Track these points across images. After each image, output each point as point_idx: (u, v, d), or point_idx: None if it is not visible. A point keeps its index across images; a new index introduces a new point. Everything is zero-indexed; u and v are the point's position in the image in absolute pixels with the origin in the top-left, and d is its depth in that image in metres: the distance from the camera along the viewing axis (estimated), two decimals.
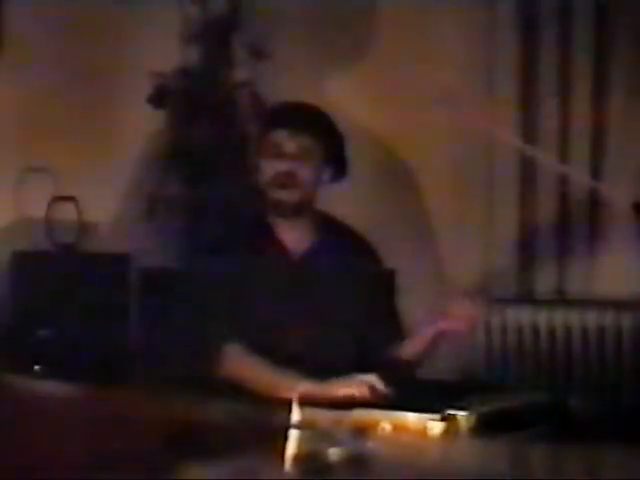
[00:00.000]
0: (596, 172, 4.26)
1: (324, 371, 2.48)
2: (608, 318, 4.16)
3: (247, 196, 4.02)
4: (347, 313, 2.76)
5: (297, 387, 2.40)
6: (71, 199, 3.95)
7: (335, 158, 2.80)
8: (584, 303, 4.21)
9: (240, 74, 4.39)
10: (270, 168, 2.73)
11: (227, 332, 2.60)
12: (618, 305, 4.15)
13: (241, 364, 2.56)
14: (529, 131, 4.33)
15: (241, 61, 4.39)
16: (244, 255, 2.73)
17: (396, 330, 2.82)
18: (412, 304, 2.92)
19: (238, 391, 2.48)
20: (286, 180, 2.71)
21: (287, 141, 2.73)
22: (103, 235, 4.12)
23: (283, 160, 2.72)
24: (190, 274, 2.82)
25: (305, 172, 2.73)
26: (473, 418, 2.13)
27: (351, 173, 2.88)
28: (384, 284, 2.87)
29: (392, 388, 2.36)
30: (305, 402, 2.29)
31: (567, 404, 2.47)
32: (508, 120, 4.33)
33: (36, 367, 3.28)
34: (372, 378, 2.39)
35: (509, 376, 4.16)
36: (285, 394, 2.37)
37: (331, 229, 2.83)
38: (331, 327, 2.72)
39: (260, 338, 2.59)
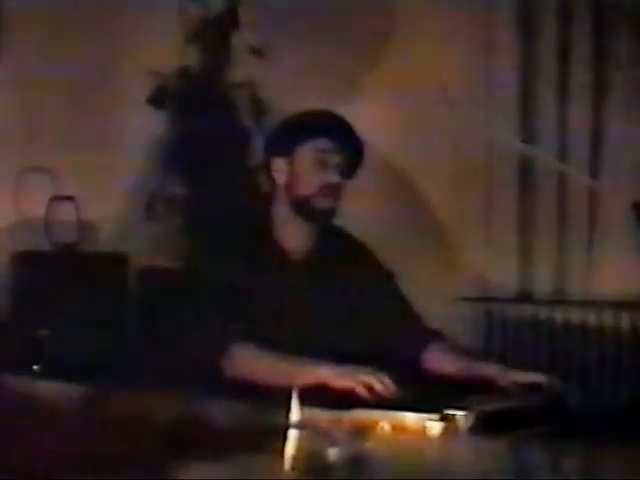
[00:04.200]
0: (596, 172, 4.26)
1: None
2: (607, 318, 4.16)
3: (246, 196, 4.05)
4: (347, 314, 2.77)
5: (316, 370, 2.41)
6: (70, 199, 3.95)
7: (351, 169, 2.81)
8: (584, 303, 4.21)
9: (240, 74, 4.39)
10: (316, 177, 2.73)
11: (231, 332, 2.60)
12: (617, 305, 4.15)
13: (252, 359, 2.56)
14: (529, 131, 4.34)
15: (241, 61, 4.40)
16: (243, 256, 2.73)
17: (410, 328, 2.81)
18: (412, 305, 2.92)
19: (238, 391, 2.48)
20: (332, 192, 2.74)
21: (331, 153, 2.74)
22: (103, 235, 4.12)
23: (327, 171, 2.73)
24: (189, 275, 2.82)
25: (342, 183, 2.76)
26: (472, 418, 2.13)
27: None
28: (384, 285, 2.88)
29: (398, 386, 2.36)
30: (317, 390, 2.30)
31: (566, 404, 2.47)
32: (508, 120, 4.33)
33: (36, 367, 3.28)
34: (379, 375, 2.39)
35: None
36: (302, 381, 2.38)
37: (329, 232, 2.83)
38: (332, 329, 2.72)
39: (261, 340, 2.59)
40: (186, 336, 2.67)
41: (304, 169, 2.75)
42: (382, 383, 2.35)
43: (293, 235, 2.78)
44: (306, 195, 2.73)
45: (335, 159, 2.74)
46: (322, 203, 2.73)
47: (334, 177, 2.73)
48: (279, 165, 2.78)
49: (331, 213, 2.76)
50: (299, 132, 2.78)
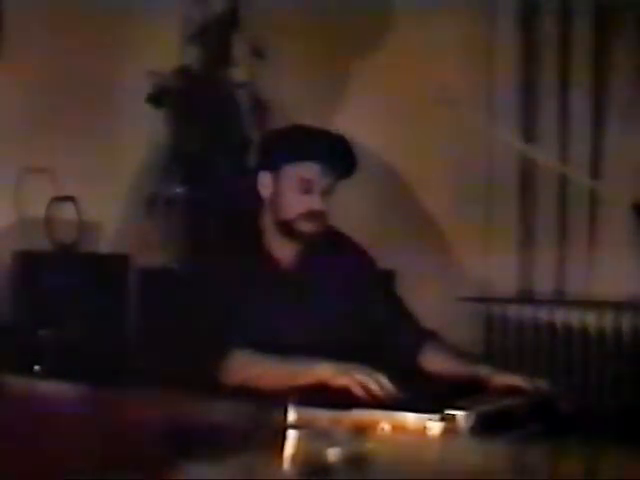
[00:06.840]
0: (596, 172, 4.26)
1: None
2: (607, 318, 4.16)
3: (245, 197, 4.04)
4: (344, 316, 2.76)
5: (314, 369, 2.41)
6: (71, 199, 3.95)
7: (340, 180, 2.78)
8: (584, 303, 4.21)
9: (240, 74, 4.39)
10: (300, 203, 2.68)
11: (229, 338, 2.59)
12: (617, 305, 4.15)
13: (250, 365, 2.54)
14: (529, 131, 4.34)
15: (241, 61, 4.40)
16: (240, 259, 2.72)
17: (407, 330, 2.81)
18: (412, 306, 2.92)
19: (237, 392, 2.48)
20: (316, 218, 2.70)
21: (319, 178, 2.68)
22: (103, 235, 4.12)
23: (311, 197, 2.68)
24: (186, 277, 2.82)
25: (329, 204, 2.73)
26: (472, 418, 2.13)
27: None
28: (381, 285, 2.87)
29: (396, 386, 2.37)
30: (315, 391, 2.30)
31: (566, 403, 2.47)
32: (508, 120, 4.33)
33: (36, 367, 3.28)
34: (377, 375, 2.39)
35: None
36: (301, 381, 2.38)
37: (320, 234, 2.80)
38: (330, 332, 2.72)
39: (259, 344, 2.59)
40: (184, 342, 2.67)
41: (288, 191, 2.70)
42: (379, 383, 2.36)
43: (281, 245, 2.75)
44: (289, 219, 2.70)
45: (322, 184, 2.69)
46: (305, 227, 2.70)
47: (318, 205, 2.68)
48: (265, 179, 2.75)
49: (315, 236, 2.72)
50: (287, 151, 2.72)
